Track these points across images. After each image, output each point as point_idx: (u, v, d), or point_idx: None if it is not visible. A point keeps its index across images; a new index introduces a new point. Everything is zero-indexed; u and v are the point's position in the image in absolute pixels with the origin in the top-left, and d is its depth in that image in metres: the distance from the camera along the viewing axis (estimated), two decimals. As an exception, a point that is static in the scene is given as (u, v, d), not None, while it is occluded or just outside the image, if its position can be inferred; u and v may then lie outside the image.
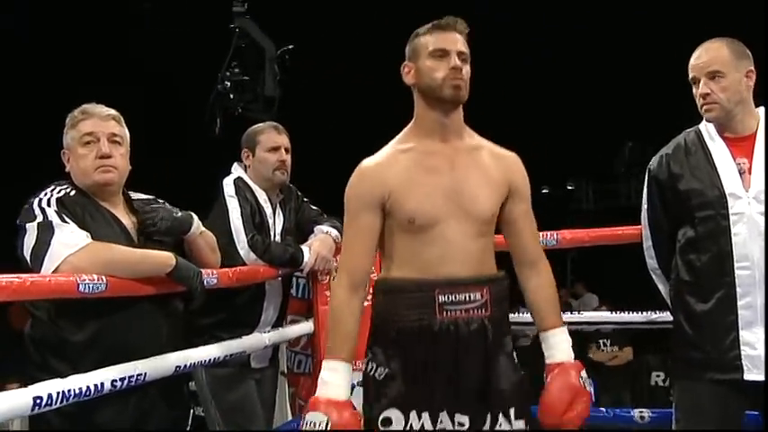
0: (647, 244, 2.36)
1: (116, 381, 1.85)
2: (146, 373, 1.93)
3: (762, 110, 2.21)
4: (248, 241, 2.57)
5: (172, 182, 4.62)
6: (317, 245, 2.75)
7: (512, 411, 1.84)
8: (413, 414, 1.80)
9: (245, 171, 2.78)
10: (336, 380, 1.81)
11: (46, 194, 1.97)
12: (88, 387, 1.77)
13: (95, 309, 1.91)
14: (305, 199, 2.96)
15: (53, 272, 1.83)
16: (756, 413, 2.26)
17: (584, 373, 1.92)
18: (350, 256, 1.91)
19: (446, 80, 1.83)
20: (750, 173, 2.13)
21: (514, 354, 1.92)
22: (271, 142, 2.76)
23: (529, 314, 2.03)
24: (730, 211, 2.11)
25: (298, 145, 2.85)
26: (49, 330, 1.94)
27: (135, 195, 2.18)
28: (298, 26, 5.78)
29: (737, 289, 2.08)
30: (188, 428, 2.22)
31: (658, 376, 6.45)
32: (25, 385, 1.69)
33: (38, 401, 1.64)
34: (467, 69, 1.87)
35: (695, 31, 2.33)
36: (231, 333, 2.53)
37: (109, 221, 2.03)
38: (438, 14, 1.90)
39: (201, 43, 5.44)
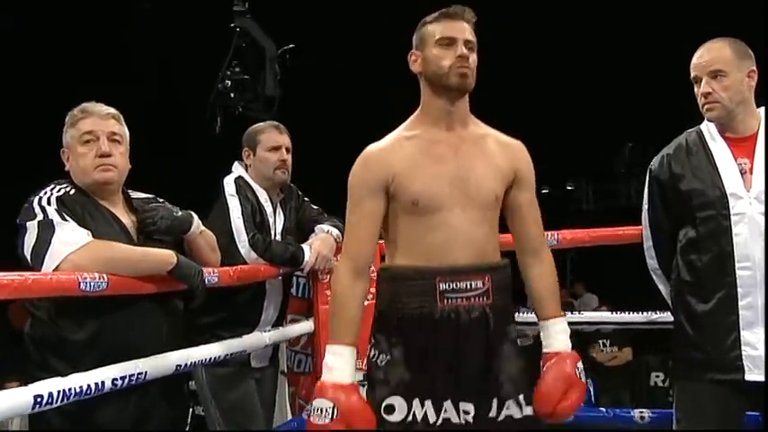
0: (648, 244, 2.36)
1: (117, 379, 1.84)
2: (146, 372, 1.93)
3: (763, 110, 2.21)
4: (249, 240, 2.57)
5: (172, 181, 4.62)
6: (318, 244, 2.75)
7: (521, 397, 1.85)
8: (415, 402, 1.81)
9: (246, 170, 2.78)
10: (341, 364, 1.81)
11: (46, 193, 1.96)
12: (89, 386, 1.76)
13: (95, 308, 1.91)
14: (305, 198, 2.96)
15: (54, 270, 1.83)
16: (757, 414, 2.26)
17: (580, 364, 1.93)
18: (353, 242, 1.91)
19: (452, 68, 1.84)
20: (751, 173, 2.13)
21: (519, 341, 1.93)
22: (272, 141, 2.76)
23: (530, 314, 2.04)
24: (731, 212, 2.11)
25: (298, 144, 2.85)
26: (48, 329, 1.93)
27: (134, 194, 2.18)
28: (298, 26, 5.79)
29: (738, 289, 2.08)
30: (187, 428, 2.22)
31: (657, 377, 6.45)
32: (25, 384, 1.68)
33: (38, 400, 1.64)
34: (474, 58, 1.87)
35: (695, 32, 2.33)
36: (232, 332, 2.53)
37: (108, 220, 2.03)
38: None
39: (202, 42, 5.44)
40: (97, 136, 2.02)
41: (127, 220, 2.08)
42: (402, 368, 1.83)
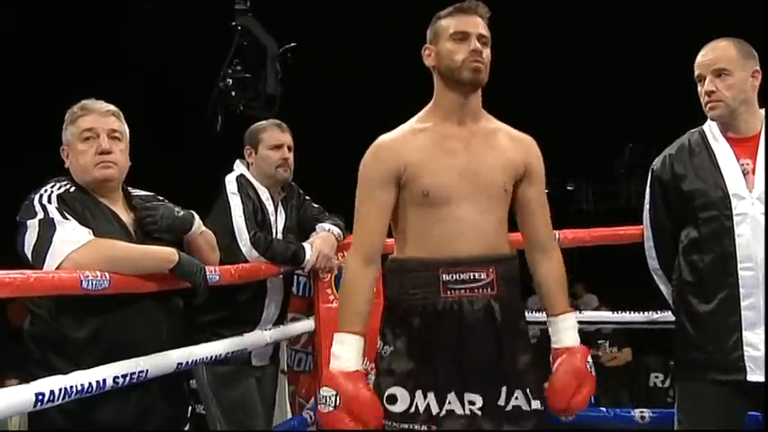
0: (649, 244, 2.36)
1: (118, 377, 1.84)
2: (147, 370, 1.93)
3: (764, 111, 2.21)
4: (250, 238, 2.57)
5: (173, 180, 4.61)
6: (319, 243, 2.75)
7: (528, 390, 1.85)
8: (418, 393, 1.81)
9: (248, 168, 2.78)
10: (347, 353, 1.82)
11: (46, 191, 1.96)
12: (90, 384, 1.76)
13: (96, 306, 1.90)
14: (307, 197, 2.95)
15: (56, 269, 1.82)
16: (758, 414, 2.26)
17: (589, 358, 1.95)
18: (364, 233, 1.91)
19: (465, 62, 1.84)
20: (754, 173, 2.13)
21: (529, 333, 1.93)
22: (274, 140, 2.76)
23: (535, 314, 2.04)
24: (734, 212, 2.10)
25: (299, 143, 2.85)
26: (49, 327, 1.92)
27: (135, 192, 2.17)
28: (299, 24, 5.78)
29: (741, 290, 2.08)
30: (187, 426, 2.21)
31: (657, 377, 6.44)
32: (24, 381, 1.68)
33: (39, 398, 1.63)
34: (487, 53, 1.88)
35: (696, 33, 2.33)
36: (233, 330, 2.53)
37: (108, 218, 2.02)
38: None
39: (203, 41, 5.44)
40: (97, 133, 2.02)
41: (126, 217, 2.07)
42: (405, 359, 1.84)
